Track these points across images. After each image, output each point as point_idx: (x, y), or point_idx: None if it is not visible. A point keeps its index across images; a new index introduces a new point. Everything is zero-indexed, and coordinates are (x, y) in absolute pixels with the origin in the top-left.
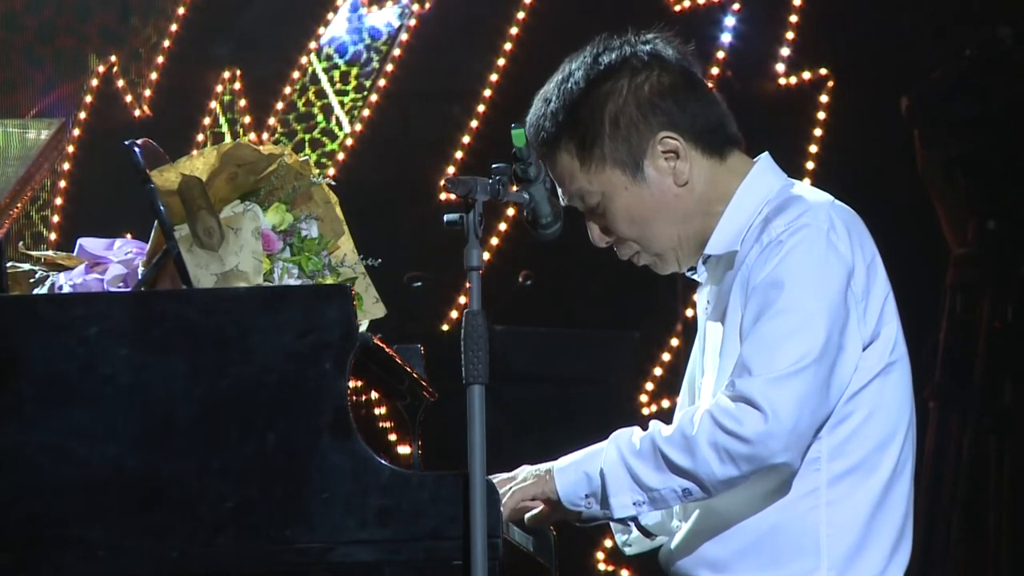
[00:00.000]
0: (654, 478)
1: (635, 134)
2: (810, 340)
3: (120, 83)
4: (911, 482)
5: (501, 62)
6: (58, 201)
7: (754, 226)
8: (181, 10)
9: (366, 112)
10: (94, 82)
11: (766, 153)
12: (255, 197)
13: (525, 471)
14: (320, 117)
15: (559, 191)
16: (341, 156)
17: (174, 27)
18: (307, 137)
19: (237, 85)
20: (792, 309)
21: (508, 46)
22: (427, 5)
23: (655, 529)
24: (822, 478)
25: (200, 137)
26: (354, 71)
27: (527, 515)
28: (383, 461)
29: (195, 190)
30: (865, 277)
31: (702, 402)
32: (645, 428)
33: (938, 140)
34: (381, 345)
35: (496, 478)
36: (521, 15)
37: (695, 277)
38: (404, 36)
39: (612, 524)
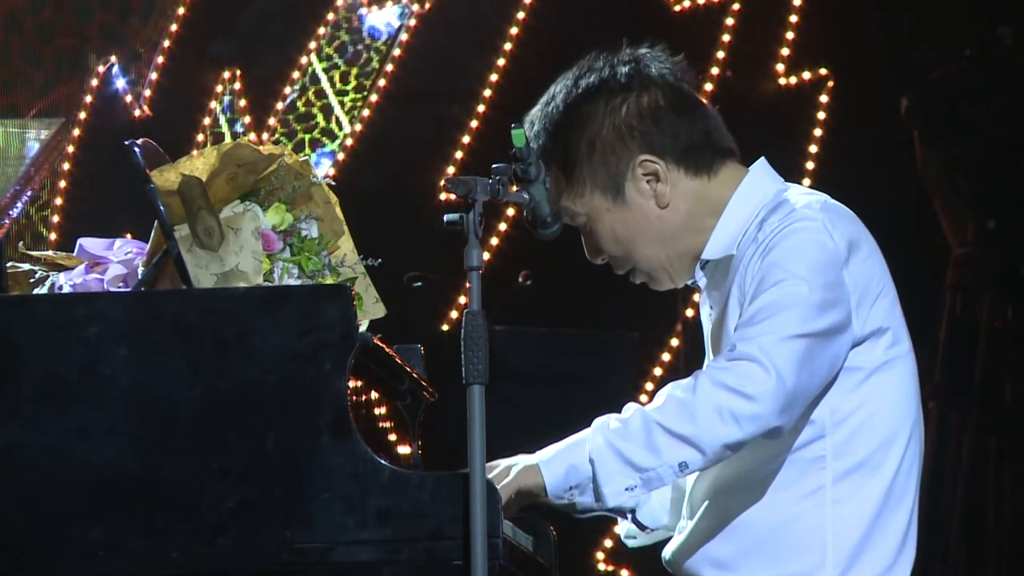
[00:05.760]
0: (647, 458)
1: (613, 158)
2: (806, 314)
3: (120, 83)
4: (918, 481)
5: (501, 62)
6: (58, 201)
7: (750, 229)
8: (181, 10)
9: (366, 112)
10: (94, 82)
11: (762, 159)
12: (255, 197)
13: (503, 463)
14: (320, 117)
15: None
16: (341, 156)
17: (174, 27)
18: (307, 137)
19: (237, 85)
20: (788, 285)
21: (508, 46)
22: (427, 5)
23: (649, 521)
24: (827, 476)
25: (200, 137)
26: (354, 71)
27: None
28: (383, 461)
29: (195, 190)
30: (860, 272)
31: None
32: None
33: (938, 140)
34: (381, 345)
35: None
36: (521, 15)
37: (694, 284)
38: (404, 36)
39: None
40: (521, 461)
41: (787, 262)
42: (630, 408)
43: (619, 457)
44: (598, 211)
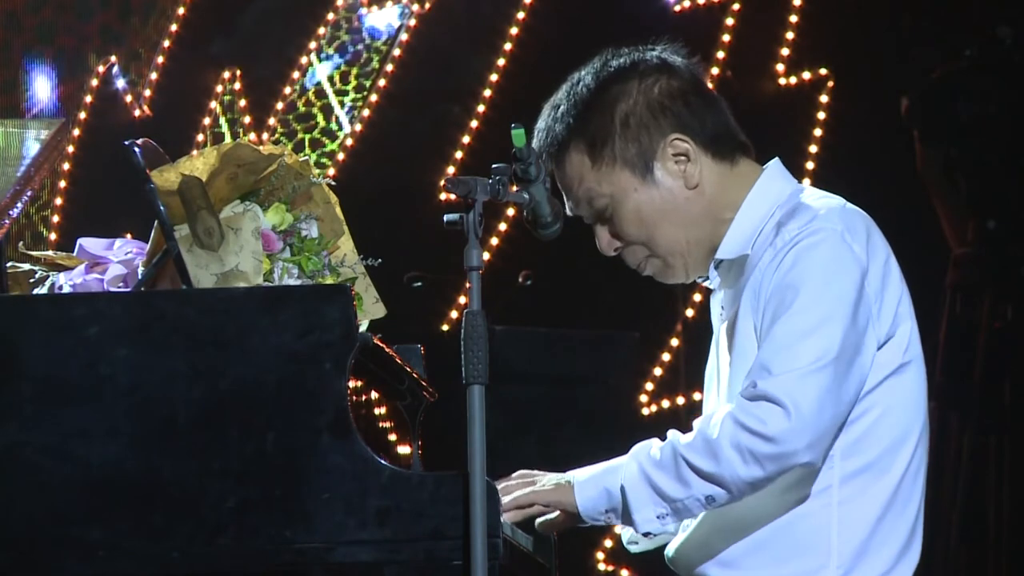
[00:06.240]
0: (676, 489)
1: (645, 134)
2: (828, 339)
3: (120, 83)
4: (924, 484)
5: (501, 62)
6: (58, 201)
7: (766, 230)
8: (181, 10)
9: (366, 112)
10: (94, 82)
11: (776, 159)
12: (255, 197)
13: (548, 477)
14: (320, 117)
15: (566, 201)
16: (341, 156)
17: (174, 27)
18: (307, 137)
19: (237, 85)
20: (808, 309)
21: (508, 46)
22: (427, 5)
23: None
24: (835, 476)
25: (200, 137)
26: (354, 71)
27: (539, 520)
28: (383, 461)
29: (195, 190)
30: (880, 277)
31: (720, 408)
32: (663, 439)
33: (938, 140)
34: (381, 345)
35: (518, 474)
36: (521, 15)
37: (707, 284)
38: (404, 36)
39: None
40: (559, 476)
41: (807, 282)
42: (669, 435)
43: (650, 486)
44: (624, 190)
